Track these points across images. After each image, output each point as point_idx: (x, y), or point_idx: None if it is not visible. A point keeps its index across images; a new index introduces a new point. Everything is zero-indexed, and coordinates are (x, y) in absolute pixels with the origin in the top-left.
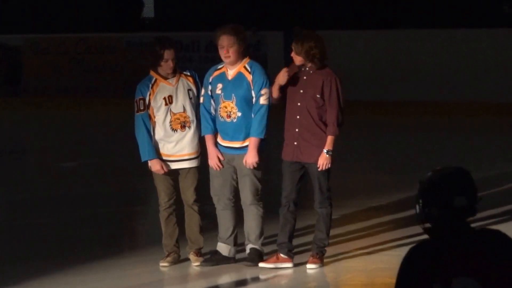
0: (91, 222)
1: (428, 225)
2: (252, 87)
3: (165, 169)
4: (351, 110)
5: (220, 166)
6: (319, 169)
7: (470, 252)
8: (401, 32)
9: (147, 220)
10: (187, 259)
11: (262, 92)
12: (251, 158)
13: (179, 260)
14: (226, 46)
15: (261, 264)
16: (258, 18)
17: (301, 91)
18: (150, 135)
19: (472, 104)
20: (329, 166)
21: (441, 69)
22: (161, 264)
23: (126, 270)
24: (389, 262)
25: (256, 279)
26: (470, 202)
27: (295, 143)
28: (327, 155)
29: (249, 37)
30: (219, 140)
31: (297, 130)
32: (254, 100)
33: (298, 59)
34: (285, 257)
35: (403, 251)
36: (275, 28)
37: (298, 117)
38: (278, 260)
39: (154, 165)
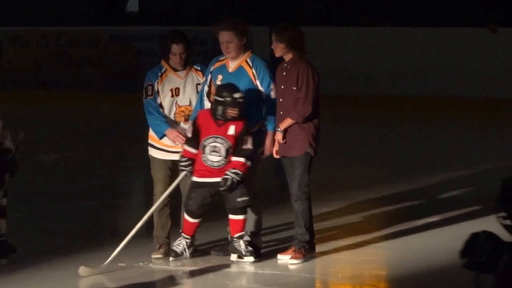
0: (73, 215)
1: (508, 222)
2: (254, 82)
3: (183, 137)
4: (336, 104)
5: (183, 138)
6: (265, 152)
7: None
8: (385, 30)
9: (131, 213)
10: None
11: (272, 87)
12: (268, 150)
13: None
14: (226, 42)
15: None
16: (243, 13)
17: (282, 86)
18: (159, 112)
19: (459, 99)
20: (279, 142)
21: (428, 65)
22: (154, 256)
23: (111, 264)
24: (376, 254)
25: (242, 272)
26: None
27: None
28: (276, 131)
29: None
30: None
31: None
32: (264, 95)
33: (279, 48)
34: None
35: (390, 244)
36: (261, 23)
37: (281, 112)
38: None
39: (170, 134)
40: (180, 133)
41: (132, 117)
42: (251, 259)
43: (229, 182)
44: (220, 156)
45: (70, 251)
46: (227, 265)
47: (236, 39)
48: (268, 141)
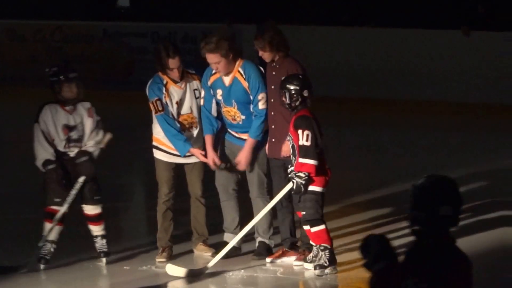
0: (73, 218)
1: (416, 227)
2: (249, 92)
3: (204, 157)
4: (321, 106)
5: (216, 168)
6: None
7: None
8: (377, 30)
9: (130, 216)
10: (179, 255)
11: (259, 97)
12: (245, 160)
13: (172, 255)
14: (214, 63)
15: (267, 259)
16: (233, 10)
17: (272, 87)
18: (178, 128)
19: (452, 103)
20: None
21: (421, 68)
22: (158, 259)
23: (111, 268)
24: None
25: (240, 275)
26: (455, 212)
27: (273, 139)
28: (288, 142)
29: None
30: (230, 131)
31: (273, 126)
32: (252, 104)
33: (266, 56)
34: (290, 250)
35: None
36: (250, 21)
37: (272, 113)
38: (283, 254)
39: (196, 154)
40: (203, 153)
41: (126, 116)
42: (312, 271)
43: (294, 186)
44: (292, 155)
45: (73, 254)
46: (226, 268)
47: (223, 58)
48: (246, 150)
